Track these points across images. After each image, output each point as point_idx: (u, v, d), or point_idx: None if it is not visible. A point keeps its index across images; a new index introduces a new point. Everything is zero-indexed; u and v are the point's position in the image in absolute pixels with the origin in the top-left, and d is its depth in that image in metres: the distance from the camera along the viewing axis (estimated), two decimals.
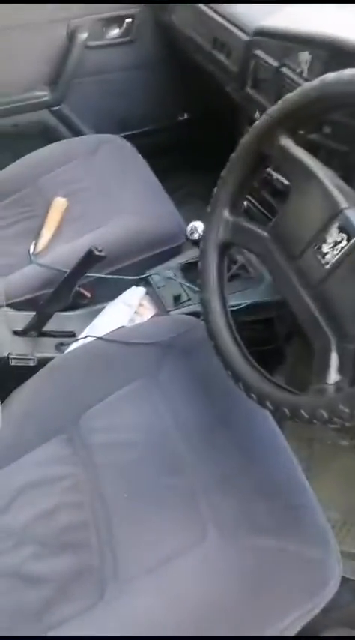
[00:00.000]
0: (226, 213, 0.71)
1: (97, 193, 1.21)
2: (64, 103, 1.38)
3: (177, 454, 0.75)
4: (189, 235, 1.03)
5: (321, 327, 0.61)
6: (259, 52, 0.95)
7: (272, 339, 1.21)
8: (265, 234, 0.68)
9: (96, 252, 0.89)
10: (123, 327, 0.94)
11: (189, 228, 1.03)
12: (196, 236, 0.99)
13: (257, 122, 0.66)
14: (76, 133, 1.42)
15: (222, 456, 0.74)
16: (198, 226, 0.99)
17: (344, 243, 0.59)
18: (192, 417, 0.78)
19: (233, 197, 0.71)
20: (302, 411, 0.57)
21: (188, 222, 1.00)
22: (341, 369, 0.60)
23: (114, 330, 0.91)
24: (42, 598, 0.65)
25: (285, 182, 0.73)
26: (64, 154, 1.30)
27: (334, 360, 0.59)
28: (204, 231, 0.74)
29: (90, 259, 0.90)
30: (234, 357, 0.68)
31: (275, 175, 0.84)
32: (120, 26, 1.34)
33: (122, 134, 1.38)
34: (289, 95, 0.63)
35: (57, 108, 1.37)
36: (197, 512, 0.68)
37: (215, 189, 0.73)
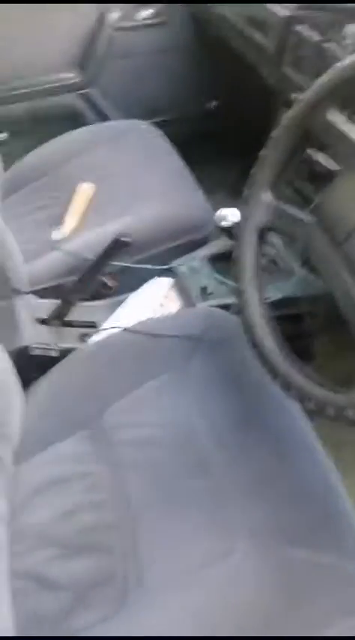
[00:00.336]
0: (265, 196, 0.66)
1: (124, 180, 1.17)
2: (93, 87, 1.34)
3: (206, 454, 0.70)
4: (218, 222, 0.98)
5: None
6: (300, 28, 0.89)
7: (301, 336, 1.15)
8: (308, 218, 0.63)
9: (123, 239, 0.85)
10: (149, 318, 0.89)
11: (218, 214, 0.98)
12: (225, 224, 0.94)
13: (303, 94, 0.61)
14: (104, 118, 1.38)
15: (253, 457, 0.69)
16: (227, 213, 0.93)
17: None
18: (221, 415, 0.73)
19: (273, 178, 0.66)
20: (350, 412, 0.52)
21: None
22: None
23: (141, 322, 0.87)
24: (60, 604, 0.61)
25: (328, 164, 0.67)
26: (92, 139, 1.27)
27: None
28: (241, 216, 0.69)
29: (116, 247, 0.86)
30: (273, 352, 0.63)
31: (315, 157, 0.77)
32: (151, 7, 1.29)
33: (150, 121, 1.34)
34: (341, 63, 0.58)
35: (85, 91, 1.33)
36: (226, 518, 0.64)
37: (253, 170, 0.67)
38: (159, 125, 1.33)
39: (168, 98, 1.47)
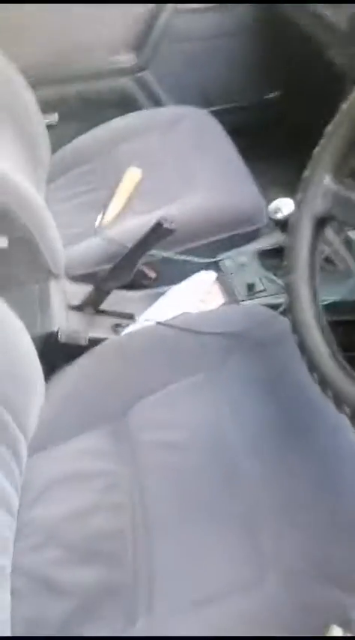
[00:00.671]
0: (328, 179, 0.58)
1: (174, 167, 1.11)
2: (148, 70, 1.28)
3: (238, 466, 0.62)
4: (272, 215, 0.90)
5: None
6: None
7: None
8: None
9: (166, 225, 0.79)
10: (187, 313, 0.82)
11: (272, 206, 0.90)
12: (280, 216, 0.86)
13: None
14: (157, 103, 1.32)
15: (293, 476, 0.61)
16: (282, 205, 0.85)
17: None
18: (258, 423, 0.66)
19: (337, 160, 0.58)
20: None
21: None
22: None
23: (178, 316, 0.80)
24: (63, 612, 0.55)
25: None
26: (144, 124, 1.21)
27: None
28: (298, 201, 0.61)
29: (157, 232, 0.80)
30: (324, 357, 0.54)
31: None
32: None
33: (207, 109, 1.27)
34: None
35: (139, 75, 1.28)
36: (256, 544, 0.56)
37: (316, 149, 0.59)
38: (216, 113, 1.26)
39: (226, 85, 1.39)
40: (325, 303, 0.88)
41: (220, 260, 0.97)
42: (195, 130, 1.21)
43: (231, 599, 0.53)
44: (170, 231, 0.78)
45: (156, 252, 0.93)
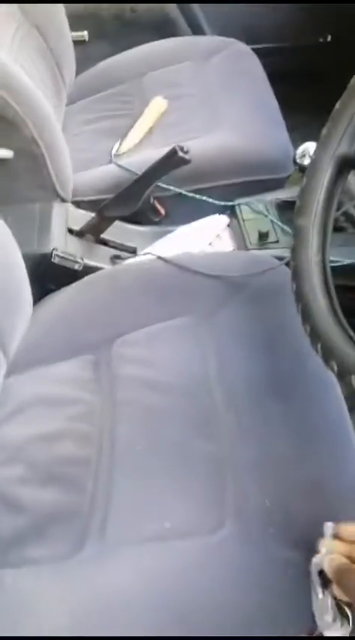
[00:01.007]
0: None
1: (202, 101, 1.04)
2: None
3: (215, 415, 0.60)
4: (297, 159, 0.84)
5: None
6: None
7: None
8: None
9: (181, 154, 0.73)
10: (190, 253, 0.78)
11: (299, 149, 0.84)
12: (307, 162, 0.80)
13: None
14: (198, 32, 1.23)
15: (270, 434, 0.58)
16: (311, 149, 0.79)
17: None
18: (244, 374, 0.62)
19: None
20: None
21: None
22: None
23: (180, 255, 0.76)
24: (16, 528, 0.55)
25: None
26: (179, 52, 1.14)
27: None
28: (323, 135, 0.55)
29: (171, 161, 0.75)
30: (320, 309, 0.50)
31: None
32: None
33: (250, 46, 1.18)
34: None
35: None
36: (219, 493, 0.54)
37: (353, 80, 0.53)
38: (259, 52, 1.17)
39: (275, 23, 1.29)
40: (340, 264, 0.84)
41: (236, 204, 0.91)
42: (233, 65, 1.12)
43: (183, 541, 0.51)
44: (184, 161, 0.73)
45: (169, 188, 0.88)
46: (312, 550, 0.48)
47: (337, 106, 0.55)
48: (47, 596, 0.51)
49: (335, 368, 0.48)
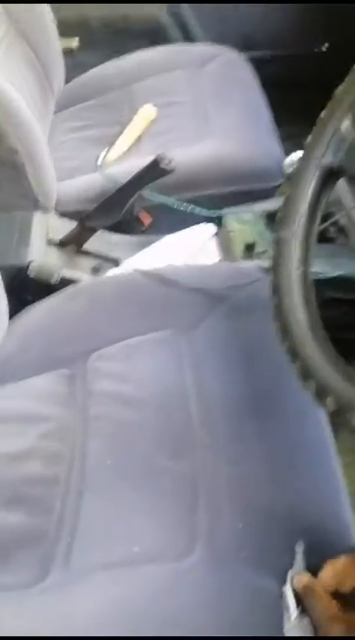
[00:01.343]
0: (346, 124, 0.50)
1: (193, 110, 1.03)
2: (184, 2, 1.17)
3: (190, 433, 0.57)
4: (286, 169, 0.82)
5: None
6: None
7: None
8: None
9: (163, 165, 0.72)
10: (172, 265, 0.76)
11: (288, 159, 0.82)
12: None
13: None
14: (191, 39, 1.22)
15: (246, 455, 0.55)
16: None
17: None
18: (220, 390, 0.60)
19: None
20: None
21: None
22: None
23: (161, 267, 0.74)
24: None
25: None
26: (170, 60, 1.12)
27: None
28: (307, 145, 0.53)
29: (153, 171, 0.73)
30: (300, 327, 0.47)
31: None
32: None
33: (245, 53, 1.16)
34: None
35: (174, 5, 1.17)
36: (191, 515, 0.51)
37: (339, 88, 0.51)
38: (254, 60, 1.15)
39: (270, 31, 1.27)
40: (329, 276, 0.81)
41: (223, 214, 0.89)
42: (225, 73, 1.11)
43: (152, 565, 0.49)
44: (166, 172, 0.71)
45: (155, 197, 0.86)
46: (284, 576, 0.46)
47: (322, 115, 0.53)
48: (10, 628, 0.48)
49: (313, 388, 0.46)
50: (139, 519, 0.52)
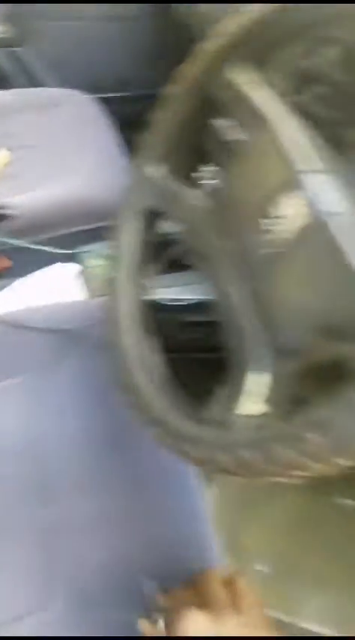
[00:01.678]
0: (153, 170, 0.54)
1: (44, 153, 1.04)
2: (27, 46, 1.19)
3: (54, 476, 0.56)
4: None
5: (249, 333, 0.43)
6: None
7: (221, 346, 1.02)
8: (199, 202, 0.51)
9: (3, 211, 0.71)
10: (26, 307, 0.75)
11: None
12: None
13: (204, 43, 0.49)
14: (36, 84, 1.23)
15: (106, 495, 0.55)
16: None
17: (292, 220, 0.41)
18: (82, 429, 0.60)
19: (165, 148, 0.54)
20: (197, 450, 0.39)
21: None
22: (270, 396, 0.42)
23: (13, 311, 0.72)
24: None
25: (234, 134, 0.55)
26: (17, 103, 1.12)
27: (259, 382, 0.42)
28: (123, 191, 0.56)
29: None
30: (130, 363, 0.49)
31: (221, 125, 0.63)
32: None
33: (94, 95, 1.20)
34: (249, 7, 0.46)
35: (16, 50, 1.18)
36: (50, 564, 0.50)
37: (143, 136, 0.55)
38: (104, 102, 1.20)
39: (118, 72, 1.33)
40: (189, 303, 0.85)
41: (80, 252, 0.90)
42: (76, 116, 1.14)
43: (17, 624, 0.47)
44: (7, 218, 0.71)
45: (8, 240, 0.85)
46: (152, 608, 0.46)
47: (131, 162, 0.56)
48: None
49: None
50: (7, 575, 0.50)
